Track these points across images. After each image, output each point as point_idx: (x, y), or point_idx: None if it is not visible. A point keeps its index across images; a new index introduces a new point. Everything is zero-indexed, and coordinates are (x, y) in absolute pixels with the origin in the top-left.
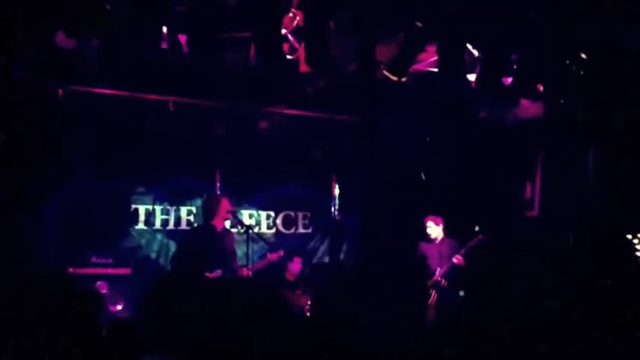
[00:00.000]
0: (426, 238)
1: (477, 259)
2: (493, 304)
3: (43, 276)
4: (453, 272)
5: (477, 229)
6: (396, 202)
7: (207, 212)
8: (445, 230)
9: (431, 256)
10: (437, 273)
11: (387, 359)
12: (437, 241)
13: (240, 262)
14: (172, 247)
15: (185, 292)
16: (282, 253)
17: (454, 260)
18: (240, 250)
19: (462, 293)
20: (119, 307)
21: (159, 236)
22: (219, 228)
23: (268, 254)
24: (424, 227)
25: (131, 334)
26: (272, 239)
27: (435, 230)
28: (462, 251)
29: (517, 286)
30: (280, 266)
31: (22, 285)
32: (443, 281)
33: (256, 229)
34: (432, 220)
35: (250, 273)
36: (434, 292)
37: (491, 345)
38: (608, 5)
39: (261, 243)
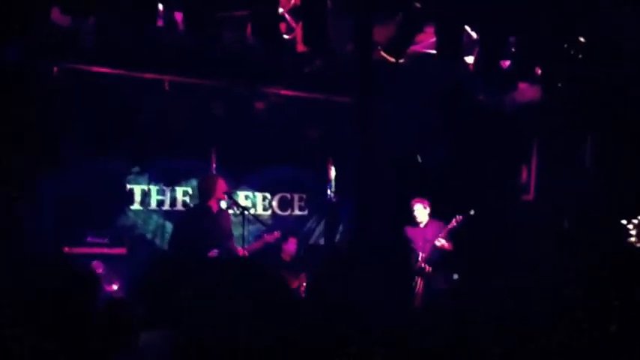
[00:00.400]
0: (413, 221)
1: (463, 242)
2: (483, 290)
3: (39, 257)
4: (438, 257)
5: (471, 212)
6: (391, 186)
7: (203, 193)
8: (431, 213)
9: (415, 241)
10: (420, 259)
11: (378, 341)
12: (421, 225)
13: (236, 244)
14: (168, 227)
15: (181, 273)
16: (278, 234)
17: (437, 244)
18: (236, 232)
19: (455, 277)
20: (115, 287)
21: (154, 216)
22: (215, 208)
23: (265, 235)
24: (411, 210)
25: (128, 312)
26: (269, 221)
27: (422, 214)
28: (442, 234)
29: (509, 271)
30: (276, 247)
31: (17, 267)
32: (427, 267)
33: (252, 211)
34: (419, 203)
35: (246, 253)
36: (419, 279)
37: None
38: None
39: (257, 224)
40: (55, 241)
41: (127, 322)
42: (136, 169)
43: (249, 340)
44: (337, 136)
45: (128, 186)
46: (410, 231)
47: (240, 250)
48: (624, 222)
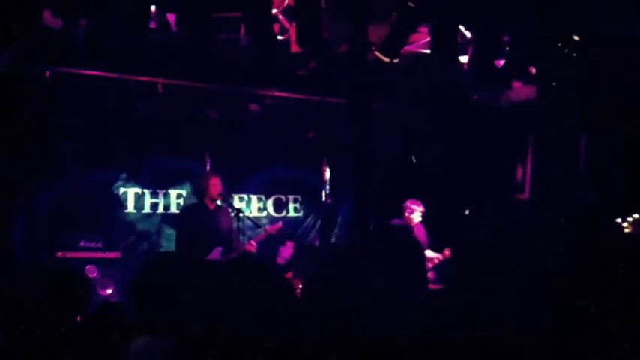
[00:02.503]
0: (406, 223)
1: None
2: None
3: (32, 262)
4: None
5: (466, 212)
6: (386, 185)
7: (198, 191)
8: (423, 216)
9: None
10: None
11: (383, 344)
12: (413, 229)
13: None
14: (162, 230)
15: (177, 274)
16: (280, 225)
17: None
18: None
19: None
20: (109, 291)
21: (149, 220)
22: (211, 206)
23: (267, 227)
24: (406, 211)
25: (121, 315)
26: (264, 222)
27: (418, 216)
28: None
29: (505, 270)
30: (272, 250)
31: (11, 272)
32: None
33: (247, 213)
34: (418, 205)
35: (254, 246)
36: None
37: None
38: None
39: (253, 226)
40: (48, 245)
41: (119, 326)
42: (123, 175)
43: (248, 340)
44: (332, 138)
45: (122, 189)
46: None
47: (249, 245)
48: (619, 220)
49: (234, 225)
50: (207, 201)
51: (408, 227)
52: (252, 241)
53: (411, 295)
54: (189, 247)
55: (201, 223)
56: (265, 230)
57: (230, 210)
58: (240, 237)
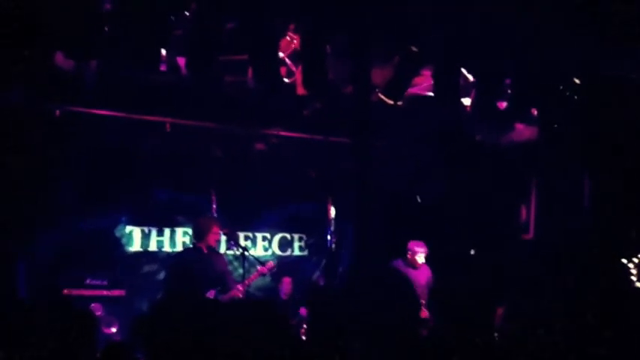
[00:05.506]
0: (410, 263)
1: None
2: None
3: (39, 301)
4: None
5: (472, 252)
6: (389, 224)
7: (196, 234)
8: (427, 256)
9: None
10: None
11: None
12: (417, 268)
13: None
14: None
15: (176, 316)
16: (272, 264)
17: None
18: (235, 272)
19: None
20: (114, 330)
21: (154, 258)
22: (206, 249)
23: (259, 267)
24: (411, 252)
25: (127, 355)
26: (268, 261)
27: (422, 257)
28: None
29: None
30: (272, 287)
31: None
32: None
33: (252, 252)
34: (422, 247)
35: (243, 289)
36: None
37: None
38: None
39: (257, 264)
40: (53, 283)
41: None
42: (137, 210)
43: None
44: (337, 177)
45: (128, 227)
46: (405, 272)
47: (239, 287)
48: (624, 261)
49: (229, 267)
50: (202, 244)
51: (401, 270)
52: (238, 286)
53: (400, 336)
54: (181, 291)
55: (195, 267)
56: (257, 270)
57: (235, 248)
58: (245, 274)
